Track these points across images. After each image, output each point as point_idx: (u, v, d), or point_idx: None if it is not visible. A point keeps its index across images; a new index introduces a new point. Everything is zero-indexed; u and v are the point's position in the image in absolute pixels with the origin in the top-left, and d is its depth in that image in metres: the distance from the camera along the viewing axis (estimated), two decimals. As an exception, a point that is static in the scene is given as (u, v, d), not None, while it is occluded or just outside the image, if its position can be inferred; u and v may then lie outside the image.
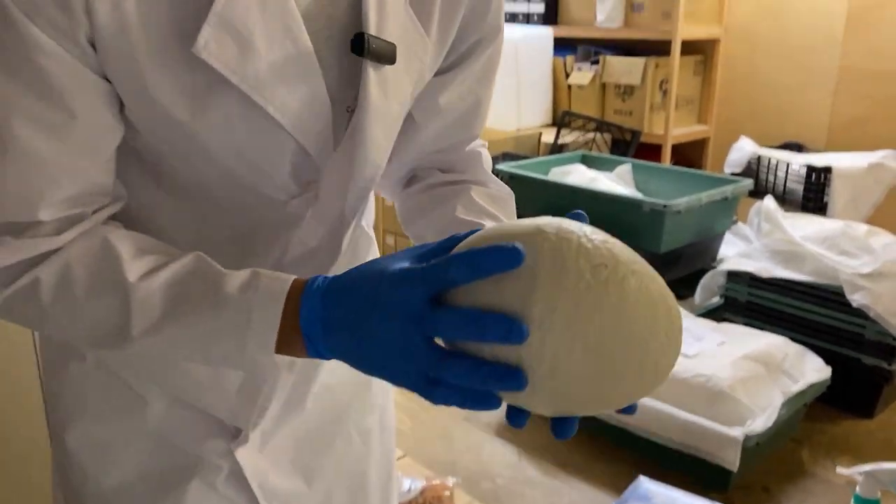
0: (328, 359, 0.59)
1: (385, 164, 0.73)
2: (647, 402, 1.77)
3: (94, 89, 0.61)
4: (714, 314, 2.37)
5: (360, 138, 0.67)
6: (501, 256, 0.50)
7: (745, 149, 3.52)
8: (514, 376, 0.50)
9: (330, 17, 0.66)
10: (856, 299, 1.97)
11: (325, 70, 0.65)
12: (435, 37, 0.72)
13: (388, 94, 0.68)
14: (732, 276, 2.30)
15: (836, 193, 3.11)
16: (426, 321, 0.52)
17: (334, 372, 0.82)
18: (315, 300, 0.57)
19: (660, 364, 0.54)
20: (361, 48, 0.64)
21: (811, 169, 3.17)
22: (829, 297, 2.08)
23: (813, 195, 3.15)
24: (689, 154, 3.95)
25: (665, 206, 2.29)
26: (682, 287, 2.64)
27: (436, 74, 0.77)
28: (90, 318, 0.62)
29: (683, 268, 2.64)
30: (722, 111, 4.03)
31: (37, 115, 0.59)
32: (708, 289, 2.42)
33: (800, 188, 3.23)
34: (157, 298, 0.61)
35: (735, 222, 2.85)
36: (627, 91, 3.74)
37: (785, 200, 3.25)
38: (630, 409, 0.57)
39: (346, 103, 0.69)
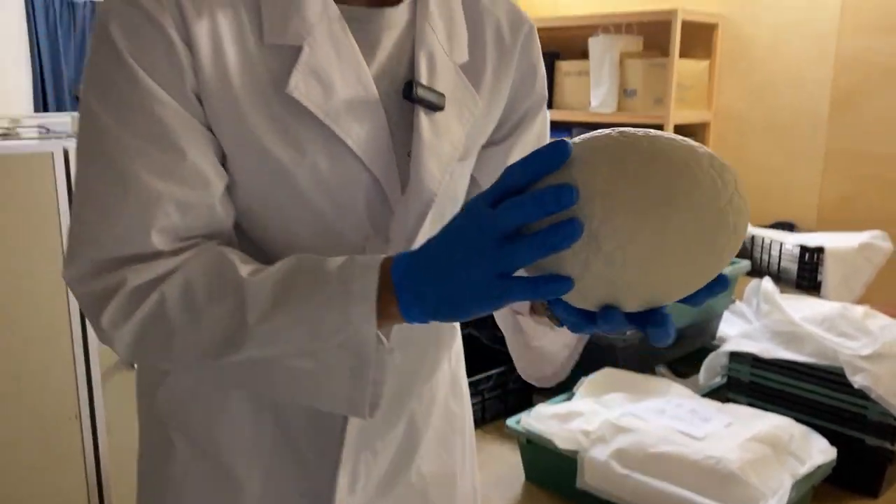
0: (418, 317, 0.65)
1: (442, 195, 0.81)
2: (658, 484, 1.79)
3: (201, 136, 0.73)
4: (717, 394, 2.41)
5: (417, 170, 0.78)
6: (549, 150, 0.57)
7: (738, 228, 3.62)
8: (570, 224, 0.56)
9: (393, 73, 0.80)
10: (857, 381, 2.02)
11: (387, 114, 0.78)
12: (486, 97, 0.85)
13: (439, 134, 0.80)
14: (735, 356, 2.35)
15: (830, 273, 3.20)
16: (486, 217, 0.58)
17: (424, 460, 0.89)
18: (403, 257, 0.66)
19: (721, 241, 0.59)
20: (411, 93, 0.77)
21: (804, 249, 3.26)
22: (830, 378, 2.13)
23: (807, 274, 3.23)
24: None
25: (667, 288, 2.35)
26: (683, 365, 2.69)
27: (495, 144, 0.90)
28: (212, 320, 0.69)
29: (684, 346, 2.70)
30: (714, 191, 4.14)
31: (152, 157, 0.70)
32: (711, 369, 2.47)
33: (794, 267, 3.31)
34: (268, 288, 0.69)
35: (733, 301, 2.91)
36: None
37: (780, 279, 3.33)
38: (695, 298, 0.61)
39: (407, 148, 0.80)
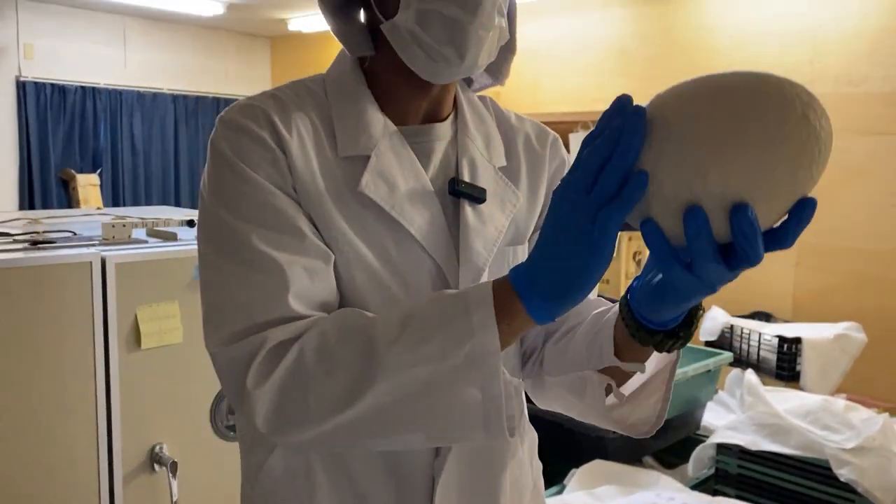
0: (540, 307, 0.71)
1: (488, 271, 0.91)
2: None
3: (308, 220, 0.84)
4: (705, 485, 2.43)
5: (465, 250, 0.90)
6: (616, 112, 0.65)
7: (718, 318, 3.71)
8: (639, 176, 0.62)
9: (445, 175, 0.94)
10: (843, 474, 2.07)
11: (442, 207, 0.91)
12: (525, 193, 0.99)
13: (484, 221, 0.93)
14: (722, 448, 2.39)
15: (808, 363, 3.28)
16: (582, 205, 0.66)
17: None
18: (520, 264, 0.74)
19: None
20: (454, 188, 0.92)
21: (783, 339, 3.35)
22: (817, 471, 2.17)
23: (786, 364, 3.31)
24: (664, 320, 4.12)
25: (655, 380, 2.40)
26: (670, 455, 2.72)
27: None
28: (345, 359, 0.75)
29: (670, 437, 2.73)
30: (692, 280, 4.25)
31: (276, 238, 0.81)
32: (700, 461, 2.50)
33: (773, 357, 3.39)
34: (394, 320, 0.76)
35: (716, 392, 2.97)
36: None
37: (759, 368, 3.40)
38: (785, 232, 0.63)
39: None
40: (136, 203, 6.53)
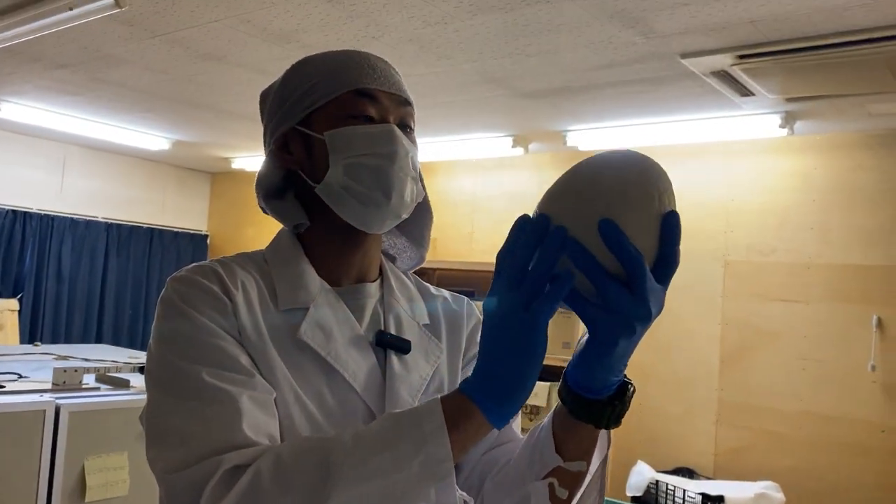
0: (495, 410, 0.78)
1: None
2: None
3: (252, 362, 0.90)
4: None
5: (391, 396, 0.98)
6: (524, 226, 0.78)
7: (644, 473, 3.79)
8: (566, 278, 0.75)
9: (375, 328, 1.03)
10: None
11: (376, 357, 1.00)
12: (447, 348, 1.09)
13: (408, 370, 1.01)
14: None
15: (731, 522, 3.36)
16: (521, 313, 0.77)
17: None
18: (468, 378, 0.81)
19: None
20: (379, 340, 1.01)
21: (706, 497, 3.44)
22: None
23: (710, 523, 3.39)
24: (591, 473, 4.16)
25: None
26: None
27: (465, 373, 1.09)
28: (301, 476, 0.78)
29: None
30: (618, 434, 4.34)
31: (227, 376, 0.87)
32: None
33: (697, 515, 3.46)
34: (349, 435, 0.81)
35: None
36: (534, 411, 4.05)
37: (685, 526, 3.46)
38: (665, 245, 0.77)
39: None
40: (55, 332, 6.31)
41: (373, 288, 1.06)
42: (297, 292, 0.98)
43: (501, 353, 0.78)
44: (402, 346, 1.02)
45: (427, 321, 1.10)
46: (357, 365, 0.97)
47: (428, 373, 1.04)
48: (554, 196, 0.79)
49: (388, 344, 1.01)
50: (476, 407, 0.79)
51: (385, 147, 0.98)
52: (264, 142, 1.08)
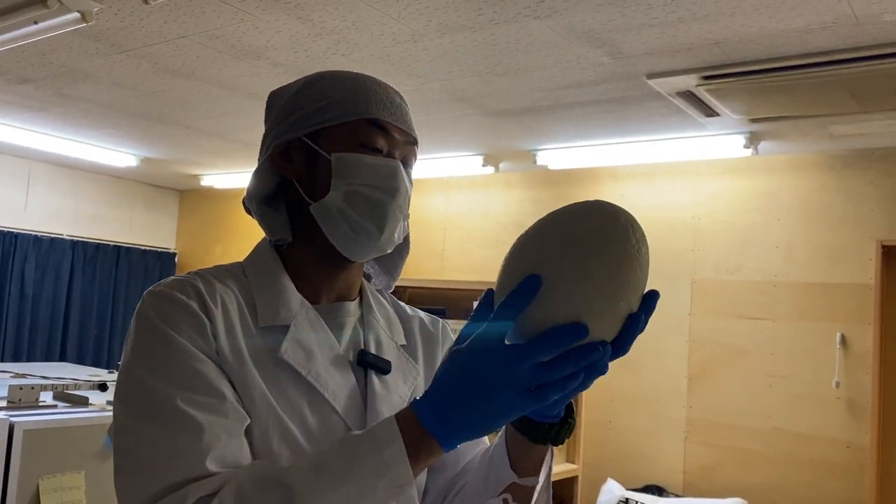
0: (455, 440, 0.77)
1: None
2: None
3: (229, 384, 0.89)
4: None
5: (372, 415, 0.97)
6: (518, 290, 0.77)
7: (613, 491, 3.79)
8: (590, 348, 0.75)
9: (356, 348, 1.04)
10: None
11: (356, 377, 1.00)
12: (423, 367, 1.10)
13: (389, 390, 1.02)
14: None
15: (700, 540, 3.36)
16: (513, 356, 0.74)
17: None
18: (421, 399, 0.79)
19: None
20: (360, 359, 1.01)
21: (675, 515, 3.45)
22: None
23: (679, 541, 3.39)
24: (560, 491, 4.15)
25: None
26: None
27: None
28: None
29: None
30: (588, 452, 4.35)
31: (198, 400, 0.85)
32: None
33: (667, 533, 3.46)
34: (307, 462, 0.80)
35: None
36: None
37: (654, 544, 3.46)
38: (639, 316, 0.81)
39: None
40: (16, 351, 6.18)
41: (352, 307, 1.06)
42: (277, 310, 0.98)
43: (475, 393, 0.75)
44: (383, 367, 1.02)
45: (404, 342, 1.11)
46: (337, 385, 0.97)
47: (406, 393, 1.04)
48: (548, 252, 0.80)
49: (369, 364, 1.01)
50: (433, 438, 0.78)
51: (389, 182, 0.99)
52: (262, 143, 1.07)
